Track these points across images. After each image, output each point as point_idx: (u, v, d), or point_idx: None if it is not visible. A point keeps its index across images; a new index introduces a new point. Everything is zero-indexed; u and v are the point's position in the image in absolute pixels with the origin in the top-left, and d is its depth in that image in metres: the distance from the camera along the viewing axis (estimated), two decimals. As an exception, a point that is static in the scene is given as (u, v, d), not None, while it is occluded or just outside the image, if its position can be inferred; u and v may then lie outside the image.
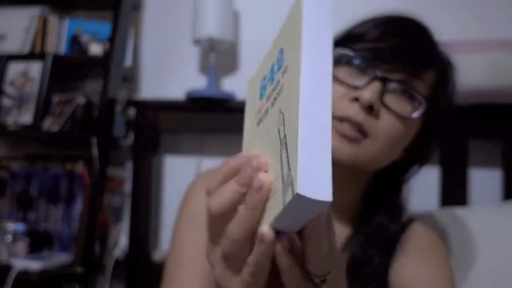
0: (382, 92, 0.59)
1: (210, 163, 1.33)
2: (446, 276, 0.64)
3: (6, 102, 1.41)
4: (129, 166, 1.40)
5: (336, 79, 0.60)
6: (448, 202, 1.08)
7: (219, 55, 1.36)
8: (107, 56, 1.34)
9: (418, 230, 0.67)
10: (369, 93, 0.57)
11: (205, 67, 1.42)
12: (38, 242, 1.34)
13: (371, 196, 0.67)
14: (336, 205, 0.66)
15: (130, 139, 1.38)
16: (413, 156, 0.68)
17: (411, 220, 0.68)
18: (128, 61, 1.43)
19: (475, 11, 1.19)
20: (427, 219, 0.83)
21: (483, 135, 1.10)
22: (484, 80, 0.95)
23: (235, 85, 1.37)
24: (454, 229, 0.83)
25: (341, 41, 0.64)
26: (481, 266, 0.78)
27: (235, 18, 1.38)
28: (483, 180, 1.13)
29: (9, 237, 1.27)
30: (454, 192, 1.09)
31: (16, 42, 1.47)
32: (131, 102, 1.39)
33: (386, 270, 0.62)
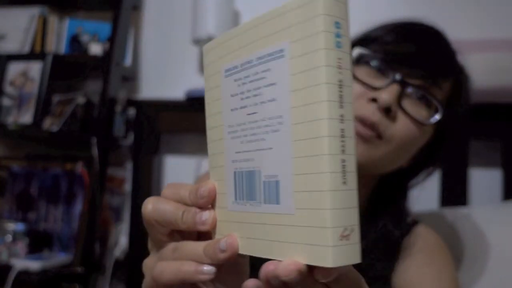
0: (401, 96, 0.59)
1: (210, 163, 1.33)
2: (450, 278, 0.64)
3: (6, 102, 1.41)
4: (129, 166, 1.40)
5: (355, 78, 0.60)
6: (448, 202, 1.08)
7: (219, 55, 1.36)
8: (107, 56, 1.34)
9: (422, 233, 0.66)
10: (388, 95, 0.57)
11: (205, 67, 1.42)
12: (38, 242, 1.34)
13: (376, 200, 0.67)
14: None
15: (130, 139, 1.38)
16: (420, 163, 0.68)
17: (415, 222, 0.68)
18: (128, 61, 1.43)
19: (475, 11, 1.19)
20: (430, 218, 0.83)
21: (483, 135, 1.10)
22: (484, 80, 0.95)
23: (235, 85, 1.36)
24: (455, 229, 0.83)
25: (359, 42, 0.64)
26: (481, 266, 0.78)
27: (235, 17, 1.38)
28: (483, 180, 1.13)
29: (9, 237, 1.27)
30: (454, 192, 1.09)
31: (16, 42, 1.47)
32: (131, 102, 1.39)
33: (389, 275, 0.62)
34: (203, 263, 0.32)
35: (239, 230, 0.31)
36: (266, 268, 0.28)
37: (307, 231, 0.26)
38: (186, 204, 0.34)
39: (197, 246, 0.32)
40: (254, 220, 0.30)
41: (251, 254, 0.31)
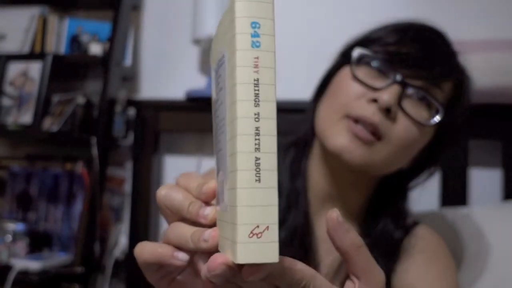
0: (401, 96, 0.59)
1: (210, 163, 1.33)
2: (451, 278, 0.64)
3: (6, 102, 1.41)
4: (129, 166, 1.40)
5: (355, 79, 0.60)
6: (448, 202, 1.08)
7: (219, 55, 1.36)
8: (107, 56, 1.34)
9: (423, 234, 0.66)
10: (388, 95, 0.57)
11: (205, 67, 1.42)
12: (38, 242, 1.34)
13: (377, 201, 0.68)
14: (344, 203, 0.66)
15: (130, 139, 1.38)
16: (420, 165, 0.68)
17: (415, 223, 0.68)
18: (128, 61, 1.43)
19: (475, 11, 1.19)
20: (430, 218, 0.83)
21: (483, 135, 1.10)
22: (485, 80, 0.95)
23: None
24: (455, 229, 0.83)
25: (360, 43, 0.64)
26: (481, 266, 0.78)
27: (235, 18, 1.37)
28: (483, 180, 1.13)
29: (9, 237, 1.26)
30: (454, 192, 1.09)
31: (16, 42, 1.47)
32: (131, 102, 1.39)
33: (389, 275, 0.62)
34: (186, 246, 0.34)
35: (218, 227, 0.33)
36: (203, 269, 0.29)
37: (231, 228, 0.27)
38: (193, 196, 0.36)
39: (187, 230, 0.34)
40: (220, 218, 0.32)
41: (219, 250, 0.32)
